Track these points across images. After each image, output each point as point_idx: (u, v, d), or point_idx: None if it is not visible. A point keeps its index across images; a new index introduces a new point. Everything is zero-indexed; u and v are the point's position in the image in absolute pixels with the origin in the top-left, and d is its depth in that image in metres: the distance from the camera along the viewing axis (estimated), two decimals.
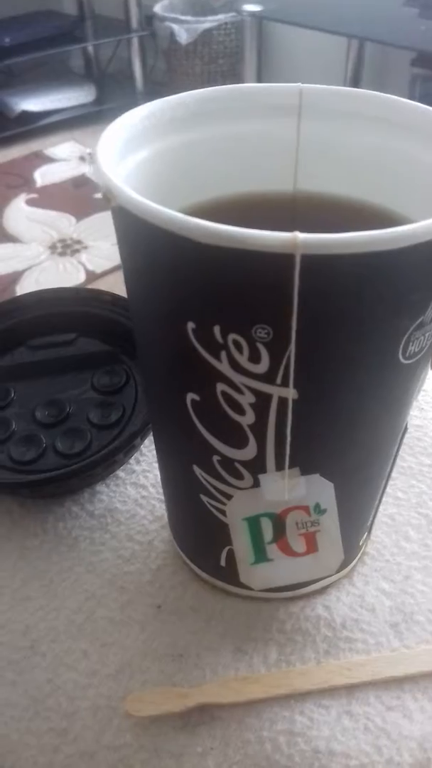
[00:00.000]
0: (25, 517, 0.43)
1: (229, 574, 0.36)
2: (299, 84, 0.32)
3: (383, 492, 0.36)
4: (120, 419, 0.44)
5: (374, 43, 1.39)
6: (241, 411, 0.28)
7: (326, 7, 1.29)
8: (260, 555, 0.33)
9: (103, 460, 0.41)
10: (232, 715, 0.34)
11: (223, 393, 0.27)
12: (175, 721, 0.34)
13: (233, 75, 1.35)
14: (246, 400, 0.27)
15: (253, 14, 1.21)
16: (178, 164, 0.32)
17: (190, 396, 0.29)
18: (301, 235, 0.21)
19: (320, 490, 0.30)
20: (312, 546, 0.32)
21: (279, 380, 0.26)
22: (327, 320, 0.24)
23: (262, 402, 0.27)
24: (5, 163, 1.02)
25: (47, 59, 1.23)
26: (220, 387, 0.27)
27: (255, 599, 0.38)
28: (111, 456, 0.41)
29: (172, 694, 0.34)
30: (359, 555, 0.39)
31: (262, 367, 0.26)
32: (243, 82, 1.34)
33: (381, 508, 0.38)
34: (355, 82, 1.64)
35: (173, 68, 1.33)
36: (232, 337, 0.25)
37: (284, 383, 0.26)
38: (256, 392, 0.27)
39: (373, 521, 0.38)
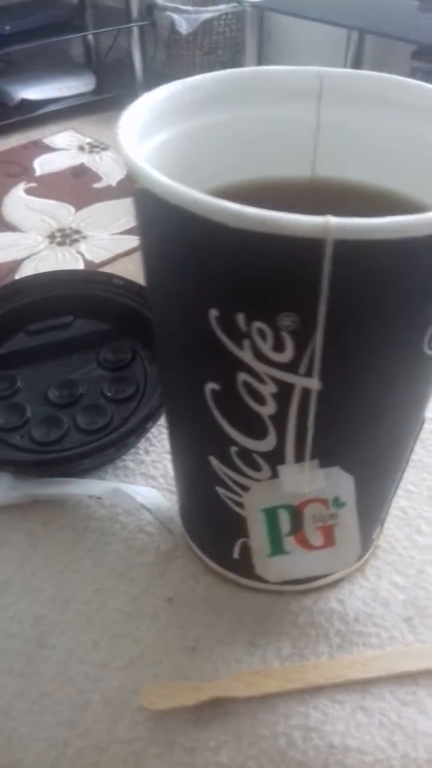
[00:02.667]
0: (34, 507, 0.42)
1: (242, 566, 0.35)
2: (320, 67, 0.31)
3: (398, 485, 0.36)
4: (135, 392, 0.45)
5: (374, 35, 1.38)
6: (262, 401, 0.27)
7: None
8: (277, 547, 0.32)
9: (140, 425, 0.42)
10: (246, 709, 0.33)
11: (245, 383, 0.27)
12: (188, 714, 0.33)
13: (233, 65, 1.34)
14: (268, 390, 0.27)
15: (254, 5, 1.20)
16: (194, 148, 0.32)
17: (210, 385, 0.28)
18: (333, 220, 0.21)
19: (340, 483, 0.30)
20: (329, 540, 0.32)
21: (303, 370, 0.25)
22: (354, 308, 0.24)
23: (284, 392, 0.26)
24: (4, 152, 1.01)
25: (47, 48, 1.21)
26: (242, 376, 0.27)
27: (267, 592, 0.37)
28: (143, 422, 0.42)
29: (185, 687, 0.34)
30: (372, 548, 0.39)
31: (286, 356, 0.25)
32: None
33: (393, 501, 0.38)
34: None
35: (173, 58, 1.31)
36: (256, 325, 0.25)
37: (308, 373, 0.25)
38: (278, 382, 0.26)
39: (386, 514, 0.38)
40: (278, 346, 0.25)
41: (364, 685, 0.34)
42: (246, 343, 0.25)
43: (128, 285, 0.48)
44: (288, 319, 0.24)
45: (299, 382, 0.26)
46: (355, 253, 0.22)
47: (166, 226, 0.25)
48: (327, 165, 0.33)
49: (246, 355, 0.26)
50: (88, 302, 0.48)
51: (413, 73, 1.62)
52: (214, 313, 0.25)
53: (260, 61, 1.43)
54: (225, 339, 0.26)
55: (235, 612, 0.37)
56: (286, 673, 0.34)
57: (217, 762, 0.32)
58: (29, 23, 1.17)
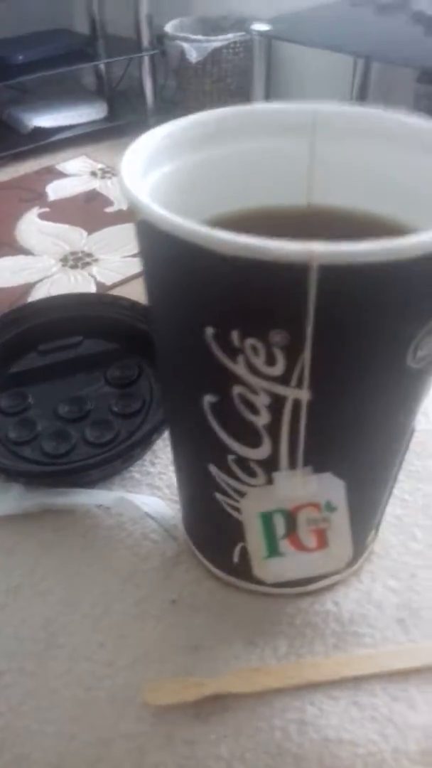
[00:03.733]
0: (45, 516, 0.44)
1: (242, 570, 0.37)
2: (313, 105, 0.34)
3: (390, 492, 0.38)
4: (142, 408, 0.47)
5: (380, 62, 1.41)
6: (256, 412, 0.29)
7: (333, 27, 1.31)
8: (273, 549, 0.34)
9: (145, 438, 0.44)
10: (245, 704, 0.35)
11: (240, 395, 0.29)
12: (190, 709, 0.35)
13: (242, 93, 1.36)
14: (261, 401, 0.29)
15: (262, 34, 1.23)
16: (196, 179, 0.34)
17: (207, 398, 0.30)
18: (317, 246, 0.23)
19: (331, 488, 0.32)
20: (322, 542, 0.34)
21: (294, 382, 0.28)
22: (340, 326, 0.26)
23: (276, 403, 0.29)
24: (18, 178, 1.04)
25: (60, 77, 1.25)
26: (237, 389, 0.29)
27: (266, 595, 0.39)
28: (149, 436, 0.44)
29: (188, 683, 0.35)
30: (367, 554, 0.41)
31: (278, 369, 0.27)
32: (252, 100, 1.37)
33: (388, 509, 0.40)
34: (362, 99, 1.66)
35: (183, 86, 1.34)
36: (249, 341, 0.27)
37: (298, 385, 0.28)
38: (271, 394, 0.28)
39: (380, 520, 0.40)
40: (270, 361, 0.27)
41: (358, 682, 0.36)
42: (240, 358, 0.27)
43: (135, 306, 0.50)
44: (279, 335, 0.26)
45: (291, 393, 0.28)
46: (339, 276, 0.24)
47: (165, 253, 0.27)
48: (322, 194, 0.36)
49: (240, 369, 0.28)
50: (97, 323, 0.51)
51: (418, 97, 1.66)
52: (210, 331, 0.27)
53: (268, 88, 1.47)
54: (220, 354, 0.28)
55: (236, 613, 0.39)
56: (284, 671, 0.36)
57: (217, 755, 0.34)
58: (42, 53, 1.20)
